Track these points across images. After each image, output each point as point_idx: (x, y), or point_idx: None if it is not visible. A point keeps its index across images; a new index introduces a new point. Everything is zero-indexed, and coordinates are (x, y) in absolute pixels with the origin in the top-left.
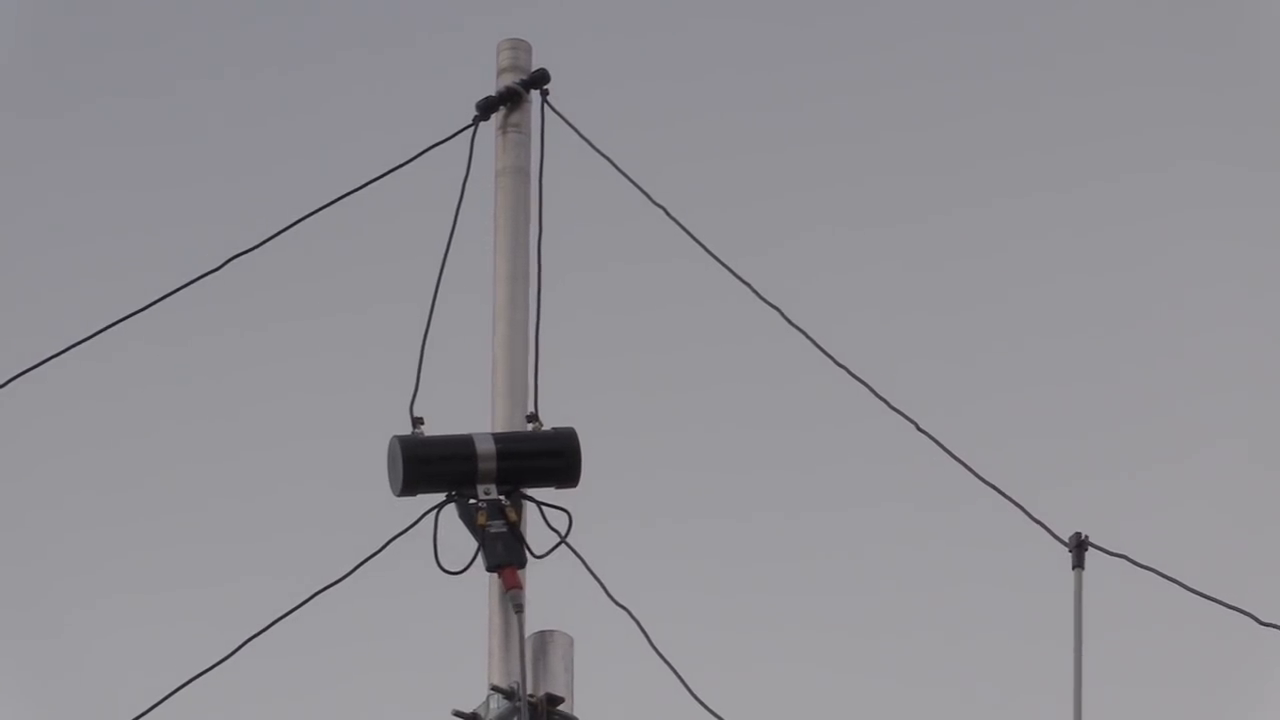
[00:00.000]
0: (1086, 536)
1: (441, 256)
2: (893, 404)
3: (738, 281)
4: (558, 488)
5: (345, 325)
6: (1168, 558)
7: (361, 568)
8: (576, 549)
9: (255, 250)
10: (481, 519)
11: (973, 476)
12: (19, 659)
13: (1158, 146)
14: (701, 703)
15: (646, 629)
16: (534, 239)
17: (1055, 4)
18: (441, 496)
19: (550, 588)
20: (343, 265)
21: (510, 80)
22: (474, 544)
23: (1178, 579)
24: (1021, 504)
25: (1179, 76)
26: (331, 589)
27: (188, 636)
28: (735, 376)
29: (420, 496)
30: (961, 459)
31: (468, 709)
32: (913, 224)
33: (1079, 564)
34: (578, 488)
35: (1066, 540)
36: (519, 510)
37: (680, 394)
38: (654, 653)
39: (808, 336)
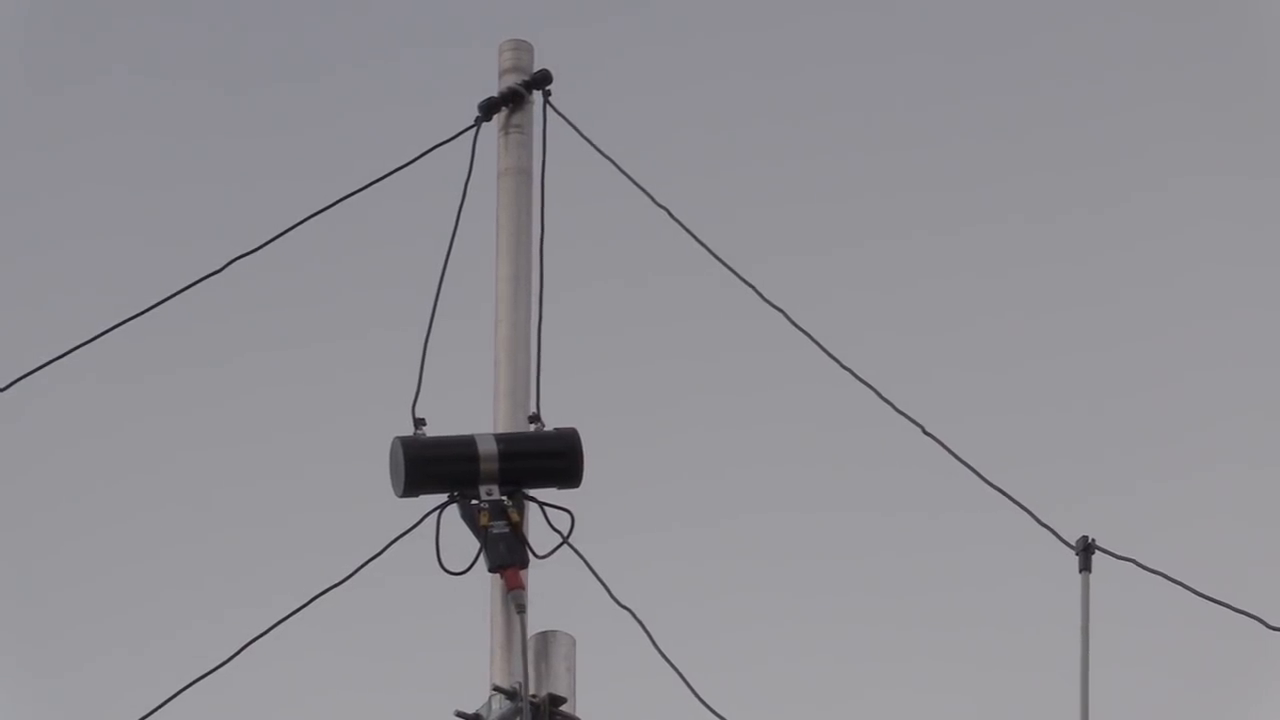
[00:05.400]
0: (1093, 540)
1: (443, 257)
2: (899, 408)
3: (742, 283)
4: (560, 488)
5: (347, 327)
6: (1175, 561)
7: (364, 569)
8: (579, 549)
9: (257, 252)
10: (484, 519)
11: (980, 480)
12: (21, 660)
13: (1170, 165)
14: (704, 703)
15: (649, 629)
16: (536, 240)
17: (1061, 24)
18: (444, 497)
19: (552, 588)
20: (344, 267)
21: (512, 81)
22: (476, 545)
23: (1185, 582)
24: (1028, 507)
25: (1188, 94)
26: (334, 590)
27: (190, 638)
28: (739, 378)
29: (422, 497)
30: (968, 463)
31: (470, 709)
32: (923, 236)
33: (1086, 567)
34: (580, 488)
35: (1073, 544)
36: (521, 511)
37: (683, 395)
38: (657, 653)
39: (812, 339)
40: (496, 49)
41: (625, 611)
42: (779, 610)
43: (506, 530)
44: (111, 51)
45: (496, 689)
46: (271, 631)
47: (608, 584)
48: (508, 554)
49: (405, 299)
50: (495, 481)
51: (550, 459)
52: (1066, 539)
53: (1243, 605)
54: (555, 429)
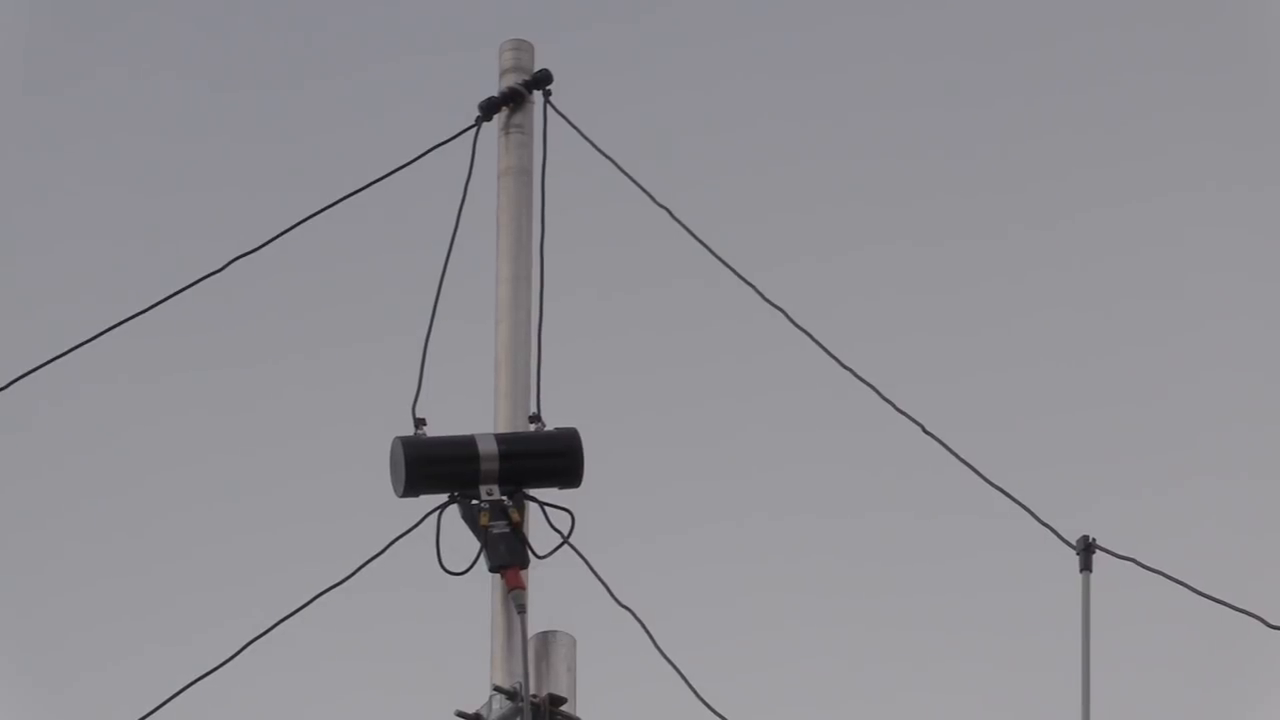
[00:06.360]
0: (1094, 539)
1: (444, 257)
2: (900, 407)
3: (742, 283)
4: (560, 488)
5: (347, 327)
6: (1175, 561)
7: (364, 569)
8: (579, 549)
9: (258, 251)
10: (484, 519)
11: (980, 480)
12: (22, 661)
13: (1174, 172)
14: (705, 703)
15: (649, 629)
16: (536, 240)
17: (1061, 30)
18: (444, 497)
19: (553, 588)
20: (345, 266)
21: (513, 81)
22: (476, 545)
23: (1186, 582)
24: (1029, 507)
25: (1191, 101)
26: (334, 590)
27: (191, 638)
28: (739, 378)
29: (423, 497)
30: (969, 462)
31: (470, 709)
32: (925, 239)
33: (1086, 567)
34: (580, 488)
35: (1074, 543)
36: (522, 511)
37: (683, 395)
38: (657, 653)
39: (813, 339)
40: (497, 49)
41: (626, 611)
42: (780, 610)
43: (507, 530)
44: (111, 52)
45: (497, 689)
46: (271, 631)
47: (608, 584)
48: (508, 554)
49: (406, 299)
50: (495, 481)
51: (551, 459)
52: (1067, 538)
53: (1243, 605)
54: (556, 429)
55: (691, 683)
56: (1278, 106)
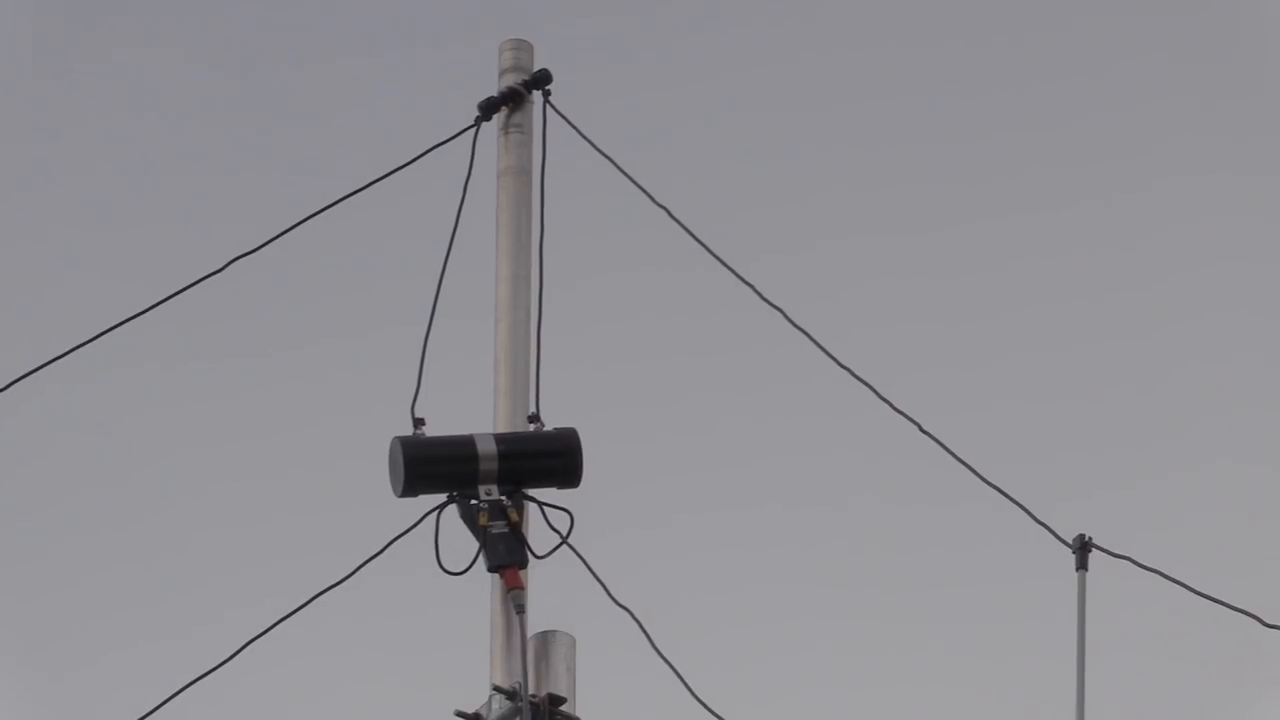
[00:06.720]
0: (1090, 538)
1: (443, 257)
2: (896, 406)
3: (741, 283)
4: (559, 488)
5: (346, 326)
6: (1172, 558)
7: (363, 569)
8: (578, 549)
9: (257, 251)
10: (483, 519)
11: (976, 478)
12: (21, 659)
13: (1168, 161)
14: (703, 703)
15: (648, 629)
16: (536, 240)
17: (1064, 20)
18: (443, 497)
19: (552, 588)
20: (344, 266)
21: (512, 81)
22: (475, 544)
23: (1182, 580)
24: (1025, 505)
25: (1184, 90)
26: (333, 590)
27: (190, 637)
28: (738, 377)
29: (422, 497)
30: (965, 461)
31: (470, 709)
32: (920, 232)
33: (1082, 566)
34: (579, 488)
35: (1070, 542)
36: (520, 511)
37: (682, 395)
38: (655, 653)
39: (810, 338)
40: (496, 48)
41: (624, 611)
42: (777, 609)
43: (506, 530)
44: (110, 50)
45: (496, 689)
46: (271, 631)
47: (607, 584)
48: (507, 554)
49: (405, 299)
50: (494, 481)
51: (550, 459)
52: (1063, 537)
53: (1239, 603)
54: (555, 429)
55: (688, 682)
56: (1270, 97)
